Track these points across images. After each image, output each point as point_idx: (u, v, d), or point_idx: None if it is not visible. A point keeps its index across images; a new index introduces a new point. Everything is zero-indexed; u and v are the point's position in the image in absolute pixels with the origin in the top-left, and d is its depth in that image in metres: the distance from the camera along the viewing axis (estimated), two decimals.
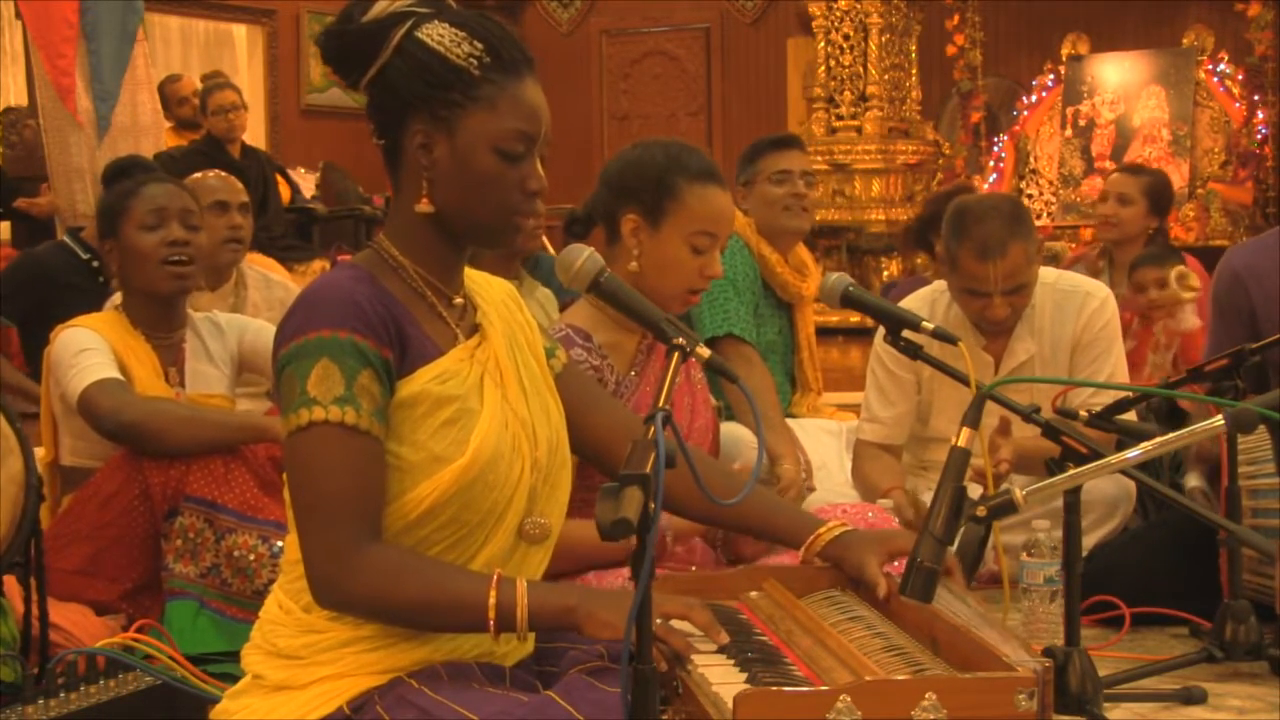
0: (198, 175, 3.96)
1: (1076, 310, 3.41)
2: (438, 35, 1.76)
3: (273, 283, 4.05)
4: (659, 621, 1.76)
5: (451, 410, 1.76)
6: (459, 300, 1.87)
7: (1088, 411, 2.56)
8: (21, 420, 2.58)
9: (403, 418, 1.75)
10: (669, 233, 2.61)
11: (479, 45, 1.77)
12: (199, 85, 7.89)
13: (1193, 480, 3.49)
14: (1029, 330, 3.41)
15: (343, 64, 1.81)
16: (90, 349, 2.95)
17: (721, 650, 1.76)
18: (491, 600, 1.70)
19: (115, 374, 2.93)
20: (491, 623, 1.71)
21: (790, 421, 3.91)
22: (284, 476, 1.83)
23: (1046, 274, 3.47)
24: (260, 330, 3.32)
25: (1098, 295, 3.43)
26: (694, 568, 2.65)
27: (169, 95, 7.29)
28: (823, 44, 8.37)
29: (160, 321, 3.11)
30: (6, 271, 4.64)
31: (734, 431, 3.55)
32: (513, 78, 1.78)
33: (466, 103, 1.76)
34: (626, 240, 2.63)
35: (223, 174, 4.05)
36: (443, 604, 1.71)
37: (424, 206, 1.79)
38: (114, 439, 2.89)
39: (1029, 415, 2.26)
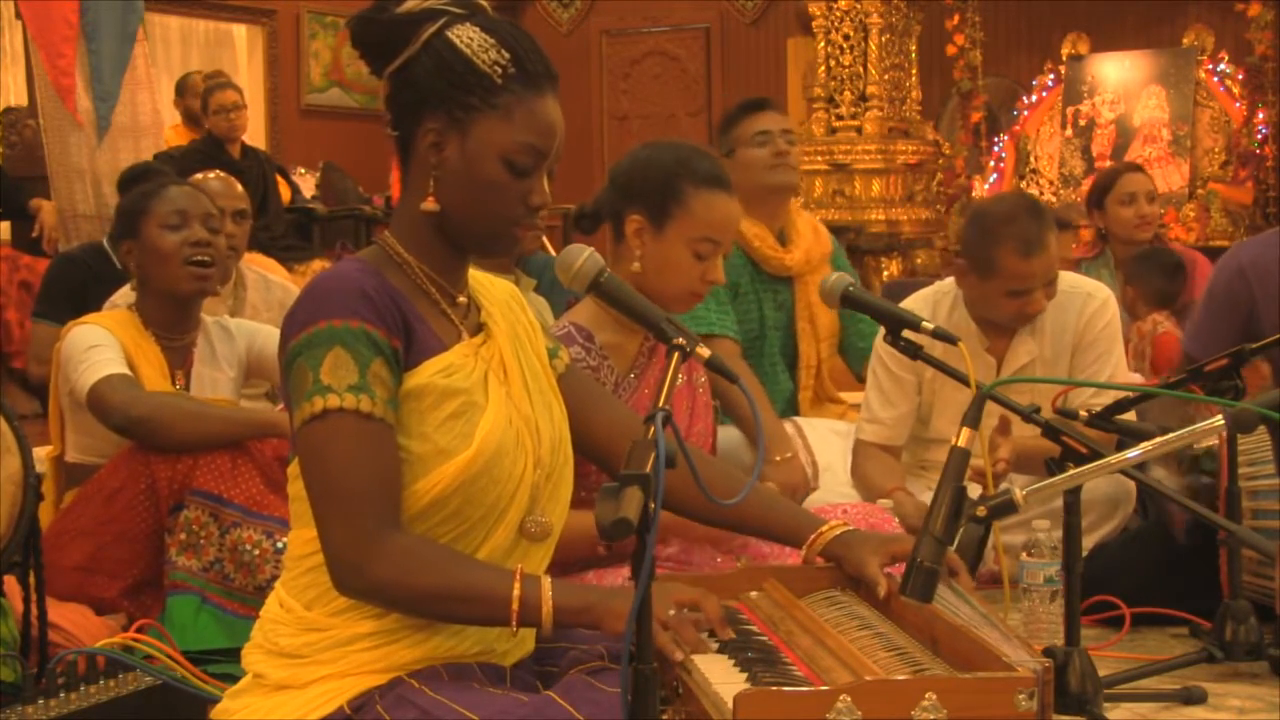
0: (198, 176, 3.94)
1: (1078, 311, 3.41)
2: (467, 38, 1.78)
3: (271, 284, 4.04)
4: (672, 612, 1.77)
5: (457, 404, 1.77)
6: (463, 299, 1.88)
7: (1087, 411, 2.56)
8: (22, 419, 2.58)
9: (409, 410, 1.76)
10: (672, 237, 2.61)
11: (506, 54, 1.78)
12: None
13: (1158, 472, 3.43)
14: (1031, 331, 3.41)
15: (369, 50, 1.83)
16: (100, 345, 2.97)
17: (722, 650, 1.76)
18: (516, 593, 1.71)
19: (124, 370, 2.95)
20: (514, 615, 1.71)
21: (800, 421, 3.90)
22: (288, 474, 1.83)
23: None
24: (270, 336, 3.33)
25: (1098, 296, 3.44)
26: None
27: (210, 103, 7.18)
28: (823, 44, 8.36)
29: (174, 323, 3.12)
30: (48, 274, 4.63)
31: (729, 434, 3.55)
32: (533, 92, 1.79)
33: (484, 108, 1.77)
34: (630, 241, 2.63)
35: (224, 176, 4.04)
36: (466, 594, 1.72)
37: (429, 205, 1.80)
38: (122, 433, 2.90)
39: (1029, 415, 2.27)
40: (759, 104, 4.10)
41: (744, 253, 3.97)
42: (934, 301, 3.48)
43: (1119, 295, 4.33)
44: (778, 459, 3.58)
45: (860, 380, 4.22)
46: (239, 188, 3.97)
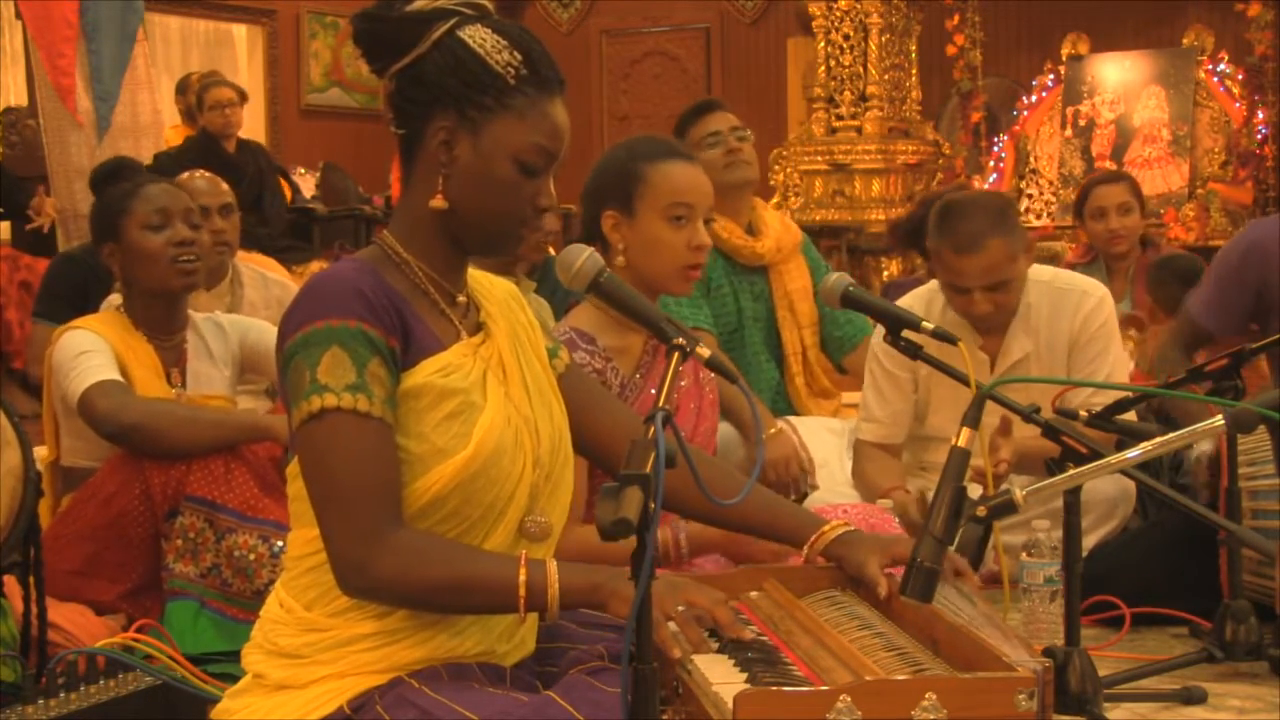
0: (184, 175, 3.94)
1: (1073, 309, 3.40)
2: (480, 38, 1.78)
3: (269, 281, 4.04)
4: (681, 608, 1.77)
5: (455, 404, 1.77)
6: (462, 299, 1.88)
7: (1087, 411, 2.56)
8: (22, 419, 2.58)
9: (406, 410, 1.76)
10: (644, 215, 2.64)
11: (518, 56, 1.79)
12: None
13: (1205, 444, 3.35)
14: (1024, 328, 3.40)
15: (374, 48, 1.82)
16: (90, 351, 2.95)
17: (722, 650, 1.76)
18: (522, 578, 1.72)
19: (115, 376, 2.93)
20: (522, 601, 1.72)
21: (793, 420, 3.90)
22: (286, 474, 1.83)
23: (1042, 272, 3.46)
24: (262, 331, 3.31)
25: (1094, 294, 3.43)
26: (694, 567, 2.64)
27: (205, 99, 7.17)
28: (823, 44, 8.36)
29: (163, 322, 3.11)
30: (48, 274, 4.64)
31: (725, 431, 3.54)
32: (545, 94, 1.81)
33: (497, 108, 1.78)
34: (611, 238, 2.66)
35: (207, 175, 4.03)
36: (471, 584, 1.72)
37: (438, 202, 1.81)
38: (114, 440, 2.89)
39: (1029, 415, 2.26)
40: (705, 106, 4.12)
41: (714, 247, 3.97)
42: (928, 300, 3.47)
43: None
44: (764, 434, 3.58)
45: (841, 371, 4.24)
46: (223, 184, 3.97)
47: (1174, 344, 3.80)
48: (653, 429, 1.52)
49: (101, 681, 2.26)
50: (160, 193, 3.10)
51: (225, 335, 3.25)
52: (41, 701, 2.18)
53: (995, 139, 8.54)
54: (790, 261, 4.10)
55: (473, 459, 1.76)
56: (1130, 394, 2.72)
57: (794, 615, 1.89)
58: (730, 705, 1.51)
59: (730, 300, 4.02)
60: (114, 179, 3.15)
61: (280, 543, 2.77)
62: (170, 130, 7.67)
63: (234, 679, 1.93)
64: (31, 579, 2.53)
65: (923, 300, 3.48)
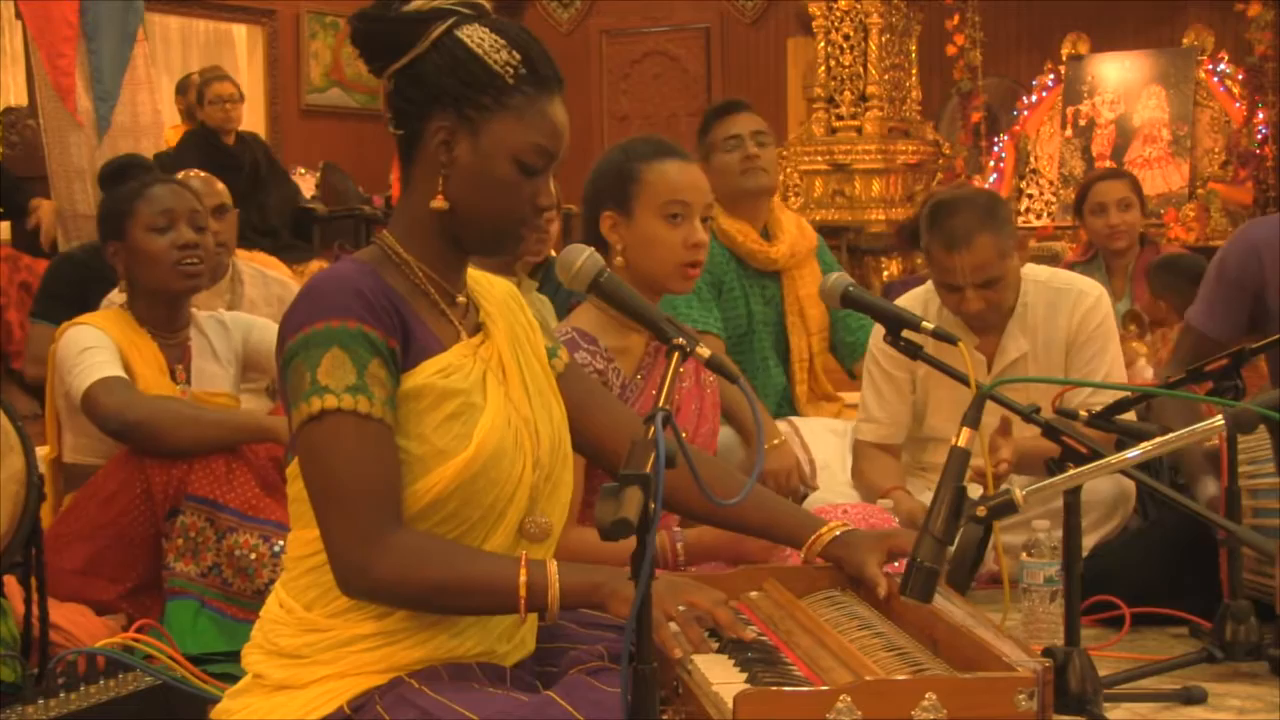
0: (179, 176, 3.94)
1: (1070, 308, 3.40)
2: (478, 38, 1.78)
3: (269, 279, 4.04)
4: (682, 609, 1.77)
5: (455, 405, 1.77)
6: (462, 299, 1.88)
7: (1087, 411, 2.56)
8: (24, 419, 2.58)
9: (406, 411, 1.76)
10: (641, 214, 2.66)
11: (517, 55, 1.78)
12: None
13: (1210, 488, 3.34)
14: (1021, 328, 3.40)
15: (372, 49, 1.82)
16: (94, 347, 2.96)
17: (722, 650, 1.76)
18: (522, 579, 1.72)
19: (119, 372, 2.94)
20: (522, 601, 1.72)
21: (796, 420, 3.90)
22: (286, 474, 1.84)
23: (1039, 272, 3.46)
24: (265, 329, 3.32)
25: (1091, 293, 3.42)
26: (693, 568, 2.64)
27: (206, 93, 7.16)
28: (823, 44, 8.36)
29: (166, 321, 3.12)
30: (47, 274, 4.63)
31: (725, 435, 3.54)
32: (544, 93, 1.80)
33: (495, 108, 1.78)
34: (609, 238, 2.67)
35: (202, 175, 4.03)
36: (472, 585, 1.73)
37: (439, 203, 1.80)
38: (117, 437, 2.90)
39: (1029, 415, 2.26)
40: (729, 107, 4.11)
41: (727, 249, 3.97)
42: (924, 301, 3.47)
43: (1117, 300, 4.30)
44: (767, 445, 3.59)
45: (852, 376, 4.23)
46: (218, 184, 3.97)
47: (1179, 365, 3.78)
48: (653, 429, 1.52)
49: (101, 681, 2.26)
50: (166, 194, 3.10)
51: (228, 333, 3.26)
52: (41, 701, 2.18)
53: (995, 139, 8.54)
54: (804, 267, 4.09)
55: (473, 460, 1.76)
56: (1130, 394, 2.71)
57: (794, 615, 1.89)
58: (730, 705, 1.51)
59: (741, 303, 4.01)
60: (122, 177, 3.15)
61: (281, 543, 2.77)
62: (170, 130, 7.66)
63: (234, 679, 1.93)
64: (33, 580, 2.53)
65: (920, 301, 3.48)
